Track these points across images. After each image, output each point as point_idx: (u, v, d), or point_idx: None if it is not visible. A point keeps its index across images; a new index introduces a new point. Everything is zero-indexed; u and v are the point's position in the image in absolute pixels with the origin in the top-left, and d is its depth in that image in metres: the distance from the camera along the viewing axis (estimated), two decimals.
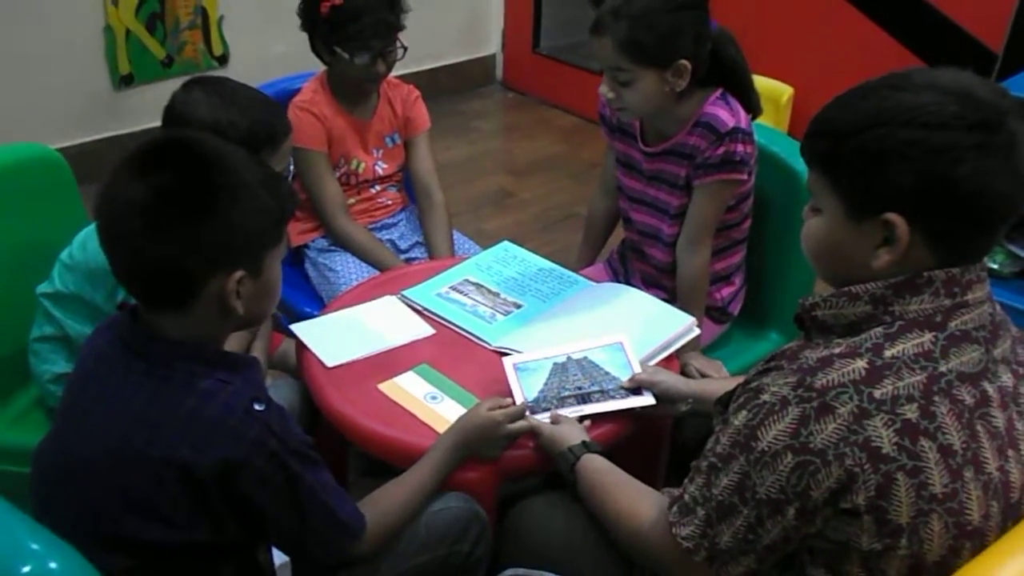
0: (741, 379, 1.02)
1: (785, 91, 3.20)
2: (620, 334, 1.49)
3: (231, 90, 1.53)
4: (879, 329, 0.93)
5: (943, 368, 0.91)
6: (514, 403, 1.35)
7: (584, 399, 1.39)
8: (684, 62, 1.57)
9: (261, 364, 1.49)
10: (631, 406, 1.38)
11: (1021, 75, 2.59)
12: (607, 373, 1.43)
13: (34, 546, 0.91)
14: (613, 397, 1.39)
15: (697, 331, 1.60)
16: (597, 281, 1.78)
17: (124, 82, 3.16)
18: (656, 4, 1.55)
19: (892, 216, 0.91)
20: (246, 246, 1.04)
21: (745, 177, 1.67)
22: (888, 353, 0.91)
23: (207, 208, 1.00)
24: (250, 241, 1.05)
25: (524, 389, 1.39)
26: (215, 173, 1.02)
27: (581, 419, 1.35)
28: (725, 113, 1.63)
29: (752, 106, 1.68)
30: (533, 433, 1.33)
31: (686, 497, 1.02)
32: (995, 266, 2.68)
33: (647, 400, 1.38)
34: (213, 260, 1.02)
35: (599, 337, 1.49)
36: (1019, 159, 0.89)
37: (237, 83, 1.57)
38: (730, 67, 1.65)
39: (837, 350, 0.93)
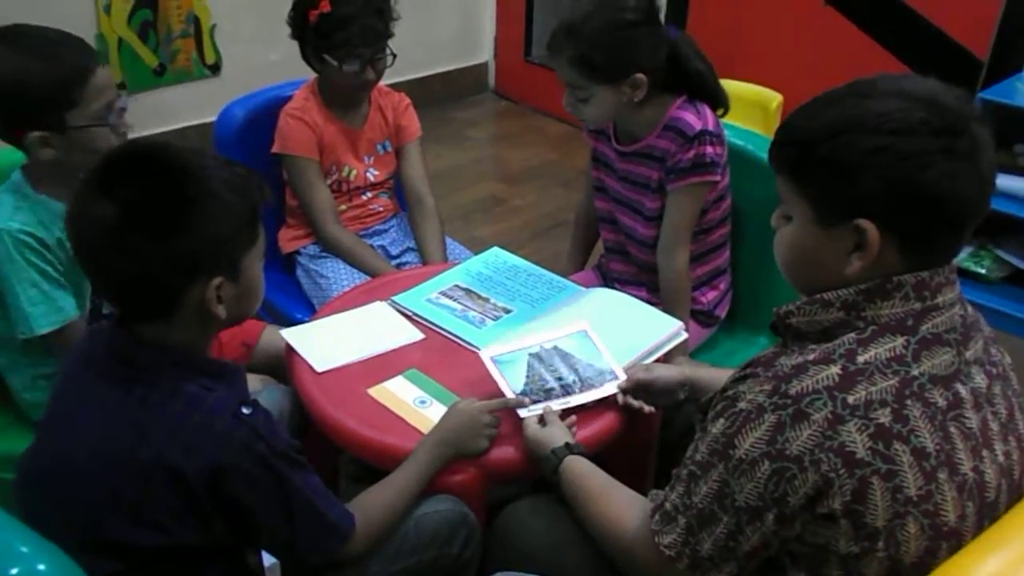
0: (731, 370, 1.04)
1: (774, 98, 3.21)
2: (582, 322, 1.52)
3: (25, 35, 1.41)
4: (852, 335, 0.94)
5: (915, 372, 0.92)
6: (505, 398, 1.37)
7: (568, 389, 1.41)
8: (640, 75, 1.60)
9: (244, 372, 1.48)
10: (611, 392, 1.41)
11: (1006, 82, 2.62)
12: (581, 360, 1.46)
13: (23, 548, 0.92)
14: (593, 385, 1.42)
15: (685, 335, 1.62)
16: (586, 286, 1.79)
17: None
18: (608, 23, 1.58)
19: (863, 222, 0.92)
20: (221, 253, 1.04)
21: (718, 178, 1.70)
22: (861, 359, 0.92)
23: (176, 223, 1.00)
24: (224, 248, 1.05)
25: (510, 382, 1.41)
26: (181, 185, 1.01)
27: (568, 412, 1.37)
28: (692, 117, 1.66)
29: (721, 103, 1.71)
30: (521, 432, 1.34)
31: (667, 505, 1.03)
32: (983, 271, 2.71)
33: (622, 378, 1.43)
34: (188, 272, 1.03)
35: (562, 327, 1.52)
36: (983, 163, 0.91)
37: (35, 27, 1.44)
38: (695, 76, 1.68)
39: (811, 357, 0.94)
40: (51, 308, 1.44)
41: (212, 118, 2.17)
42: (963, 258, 2.70)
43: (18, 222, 1.41)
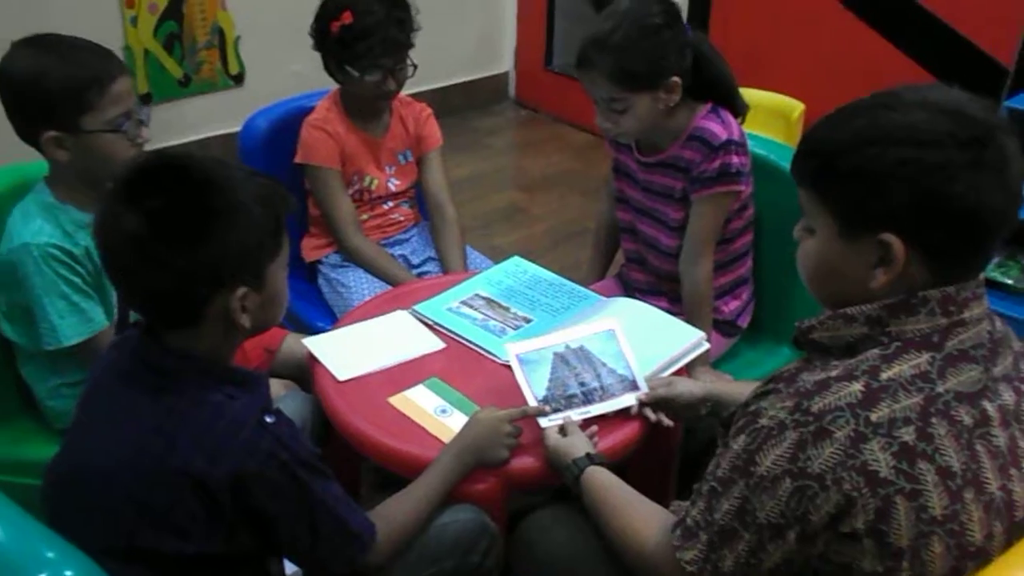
0: (754, 384, 1.03)
1: (796, 107, 3.20)
2: (611, 320, 1.52)
3: (54, 40, 1.46)
4: (876, 351, 0.93)
5: (940, 389, 0.91)
6: (527, 404, 1.38)
7: (588, 397, 1.41)
8: (675, 78, 1.61)
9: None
10: (630, 403, 1.42)
11: None
12: (604, 365, 1.46)
13: (49, 554, 0.93)
14: (614, 395, 1.42)
15: (707, 345, 1.61)
16: (607, 296, 1.79)
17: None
18: (638, 29, 1.59)
19: (887, 235, 0.91)
20: (245, 264, 1.05)
21: (743, 188, 1.70)
22: (885, 375, 0.91)
23: (202, 233, 1.01)
24: (249, 258, 1.06)
25: (533, 385, 1.41)
26: (207, 196, 1.03)
27: (589, 422, 1.37)
28: (717, 126, 1.66)
29: (740, 109, 1.72)
30: (541, 441, 1.34)
31: (688, 521, 1.02)
32: (1010, 281, 2.67)
33: (643, 390, 1.43)
34: (213, 282, 1.04)
35: (591, 324, 1.52)
36: (1010, 174, 0.90)
37: (65, 36, 1.48)
38: (718, 78, 1.68)
39: (834, 373, 0.93)
40: (81, 319, 1.46)
41: (236, 128, 2.20)
42: (990, 268, 2.66)
43: (45, 235, 1.43)
